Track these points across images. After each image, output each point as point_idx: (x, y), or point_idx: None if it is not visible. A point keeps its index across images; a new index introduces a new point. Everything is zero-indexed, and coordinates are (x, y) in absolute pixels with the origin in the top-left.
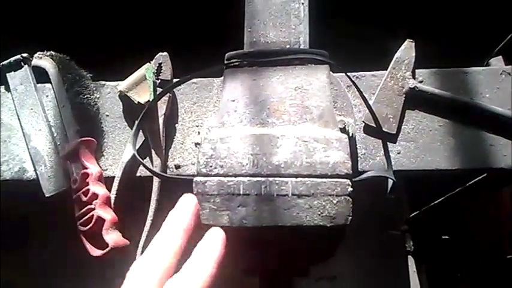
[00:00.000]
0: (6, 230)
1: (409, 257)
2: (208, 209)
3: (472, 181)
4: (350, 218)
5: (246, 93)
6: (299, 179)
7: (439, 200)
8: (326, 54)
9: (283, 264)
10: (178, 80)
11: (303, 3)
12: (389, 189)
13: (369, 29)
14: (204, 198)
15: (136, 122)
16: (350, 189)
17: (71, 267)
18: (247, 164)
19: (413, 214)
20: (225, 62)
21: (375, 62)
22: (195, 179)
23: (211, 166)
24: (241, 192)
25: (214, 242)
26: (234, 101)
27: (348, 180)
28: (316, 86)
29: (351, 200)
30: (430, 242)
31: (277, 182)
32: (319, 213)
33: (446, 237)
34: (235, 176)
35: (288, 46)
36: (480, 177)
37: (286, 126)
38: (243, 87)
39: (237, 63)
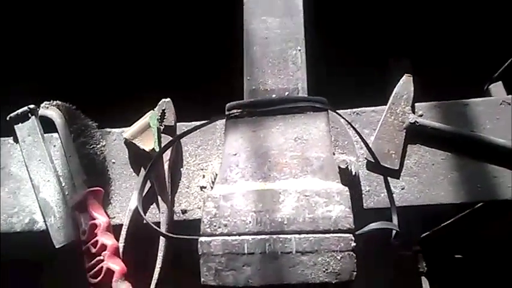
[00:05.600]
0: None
1: (423, 278)
2: (213, 269)
3: (480, 204)
4: (355, 273)
5: (247, 145)
6: (302, 236)
7: (451, 220)
8: (325, 101)
9: None
10: (183, 132)
11: (299, 50)
12: (393, 236)
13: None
14: (209, 259)
15: (142, 178)
16: (353, 244)
17: None
18: (250, 222)
19: (424, 234)
20: (226, 112)
21: (373, 97)
22: (200, 239)
23: (215, 226)
24: (245, 252)
25: None
26: (235, 154)
27: (351, 235)
28: (315, 135)
29: (354, 255)
30: (443, 262)
31: (281, 239)
32: (323, 269)
33: (459, 256)
34: (239, 234)
35: (287, 93)
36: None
37: (288, 179)
38: (243, 140)
39: (237, 114)
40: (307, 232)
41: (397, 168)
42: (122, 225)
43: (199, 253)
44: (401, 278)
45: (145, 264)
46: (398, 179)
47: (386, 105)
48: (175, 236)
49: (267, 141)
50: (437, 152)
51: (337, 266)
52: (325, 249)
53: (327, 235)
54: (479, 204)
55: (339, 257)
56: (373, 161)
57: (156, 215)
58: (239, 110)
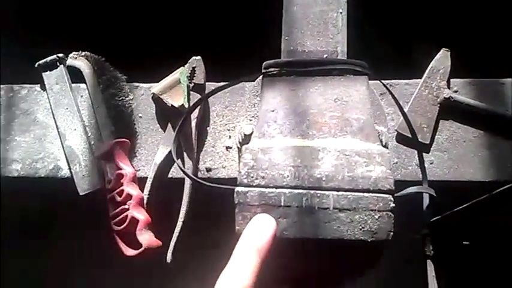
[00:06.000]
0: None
1: (429, 261)
2: (248, 218)
3: (500, 189)
4: (391, 233)
5: (285, 103)
6: (340, 193)
7: (463, 206)
8: (365, 65)
9: (320, 276)
10: (213, 89)
11: (341, 13)
12: (426, 205)
13: (399, 38)
14: (245, 208)
15: (176, 130)
16: (392, 205)
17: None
18: (288, 176)
19: (434, 218)
20: (263, 70)
21: (405, 71)
22: (236, 189)
23: (252, 177)
24: (282, 204)
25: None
26: (273, 111)
27: (390, 196)
28: (355, 97)
29: (392, 215)
30: (451, 247)
31: (318, 195)
32: (360, 227)
33: (467, 242)
34: (277, 187)
35: (325, 55)
36: (507, 186)
37: (327, 138)
38: (281, 97)
39: (275, 72)
40: (346, 190)
41: (428, 142)
42: (146, 178)
43: (235, 202)
44: (407, 260)
45: (168, 217)
46: (428, 153)
47: (420, 79)
48: (209, 184)
49: (306, 100)
50: (469, 129)
51: (374, 225)
52: (363, 207)
53: (366, 194)
54: (495, 192)
55: (376, 216)
56: (403, 133)
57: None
58: (277, 69)
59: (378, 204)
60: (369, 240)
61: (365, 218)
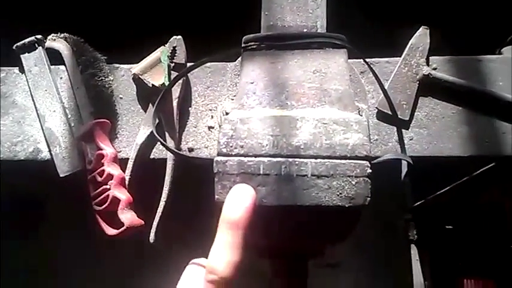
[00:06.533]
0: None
1: (412, 245)
2: (228, 187)
3: (479, 170)
4: (368, 199)
5: (265, 75)
6: (318, 160)
7: (445, 189)
8: (344, 39)
9: (299, 244)
10: (193, 63)
11: None
12: (404, 173)
13: (379, 17)
14: (224, 177)
15: (155, 104)
16: (369, 170)
17: (83, 250)
18: (267, 144)
19: (417, 203)
20: (243, 45)
21: (386, 50)
22: (216, 158)
23: (231, 146)
24: (261, 172)
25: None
26: (252, 83)
27: (367, 162)
28: (334, 69)
29: (369, 181)
30: (434, 231)
31: (296, 162)
32: (338, 193)
33: (450, 227)
34: (256, 156)
35: (305, 30)
36: (488, 167)
37: (306, 108)
38: (261, 70)
39: (254, 47)
40: (324, 157)
41: (407, 119)
42: (127, 159)
43: (214, 171)
44: (391, 244)
45: (150, 198)
46: (408, 129)
47: (400, 56)
48: (190, 156)
49: (285, 72)
50: (448, 105)
51: (352, 191)
52: (341, 174)
53: (343, 161)
54: (476, 173)
55: (353, 182)
56: (383, 110)
57: (163, 151)
58: (256, 43)
59: (355, 171)
60: (346, 205)
61: (342, 184)
